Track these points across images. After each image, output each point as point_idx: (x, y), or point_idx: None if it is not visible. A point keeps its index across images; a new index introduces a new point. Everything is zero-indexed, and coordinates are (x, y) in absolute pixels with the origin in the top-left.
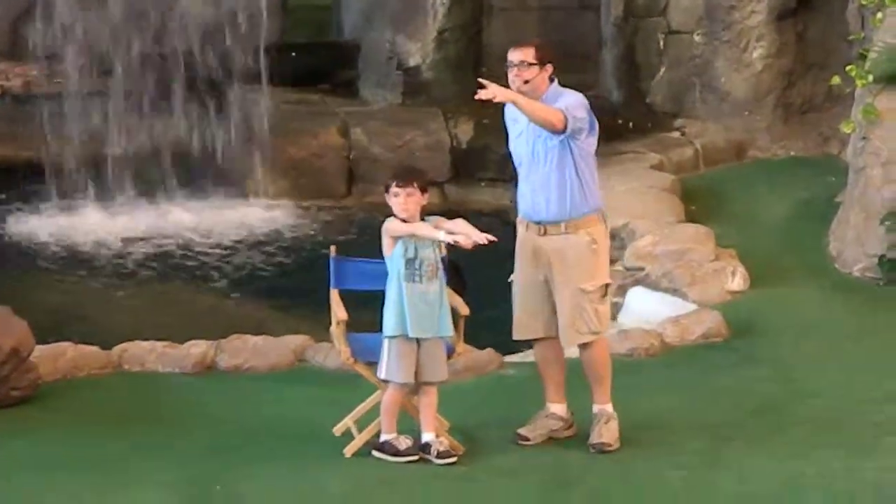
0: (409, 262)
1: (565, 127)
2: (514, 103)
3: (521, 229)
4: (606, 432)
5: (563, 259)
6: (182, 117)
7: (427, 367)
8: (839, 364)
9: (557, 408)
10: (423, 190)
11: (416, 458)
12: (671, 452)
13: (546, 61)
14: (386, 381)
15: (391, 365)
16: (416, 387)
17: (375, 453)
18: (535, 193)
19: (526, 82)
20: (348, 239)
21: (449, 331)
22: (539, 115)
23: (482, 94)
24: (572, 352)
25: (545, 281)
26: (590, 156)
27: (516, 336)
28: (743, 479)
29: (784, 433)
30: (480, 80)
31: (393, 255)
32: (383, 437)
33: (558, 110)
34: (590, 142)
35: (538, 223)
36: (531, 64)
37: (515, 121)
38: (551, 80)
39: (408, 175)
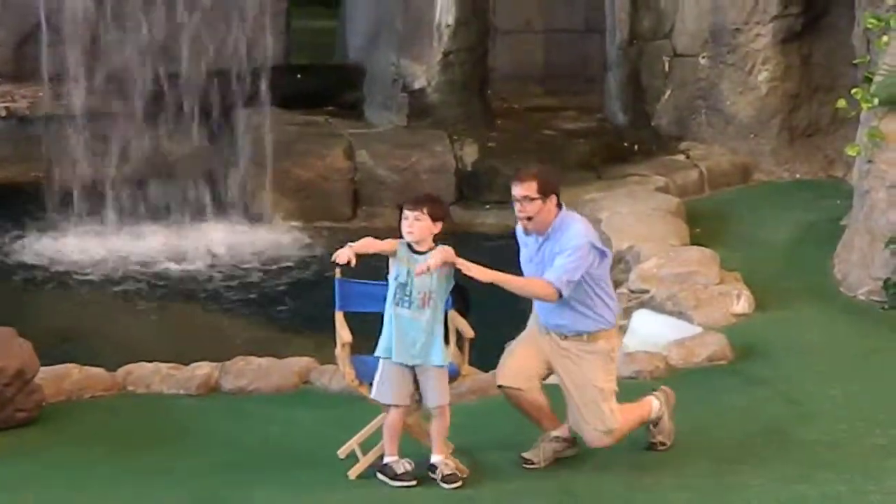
0: (401, 287)
1: (560, 296)
2: (496, 283)
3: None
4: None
5: (579, 367)
6: (186, 139)
7: (424, 391)
8: (844, 387)
9: (558, 431)
10: (435, 218)
11: (412, 483)
12: (676, 475)
13: (549, 192)
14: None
15: (381, 387)
16: (418, 408)
17: (379, 475)
18: (550, 314)
19: (530, 218)
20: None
21: (439, 360)
22: (527, 292)
23: (466, 271)
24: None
25: (549, 360)
26: (603, 278)
27: (502, 381)
28: (747, 501)
29: (788, 455)
30: (464, 264)
31: (389, 276)
32: (385, 459)
33: (547, 284)
34: (603, 266)
35: (558, 332)
36: (533, 199)
37: (526, 245)
38: (559, 206)
39: (419, 200)
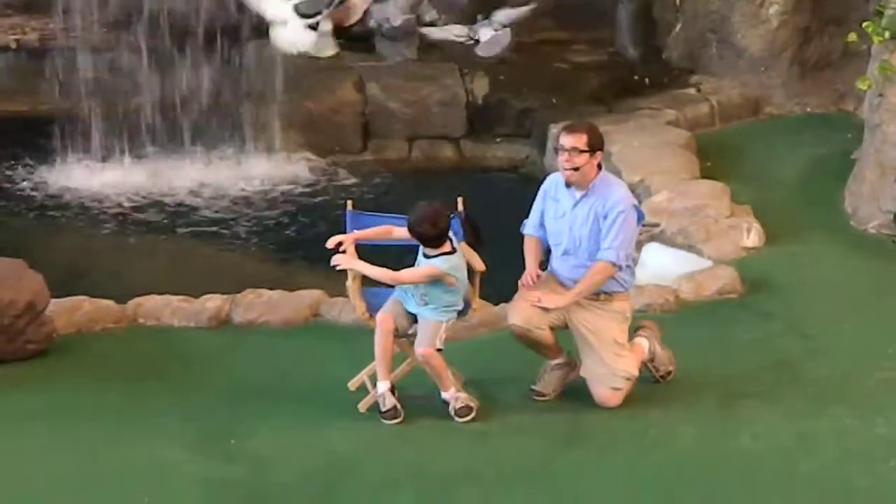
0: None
1: (620, 268)
2: (574, 301)
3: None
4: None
5: (597, 318)
6: (197, 72)
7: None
8: (853, 321)
9: (559, 358)
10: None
11: (396, 421)
12: (685, 408)
13: (597, 148)
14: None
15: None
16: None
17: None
18: (573, 271)
19: (576, 169)
20: (364, 193)
21: (433, 315)
22: (598, 283)
23: (545, 304)
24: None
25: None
26: (633, 241)
27: (514, 320)
28: (756, 435)
29: (798, 389)
30: (549, 300)
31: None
32: (378, 387)
33: (607, 265)
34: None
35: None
36: (582, 151)
37: (556, 200)
38: (599, 168)
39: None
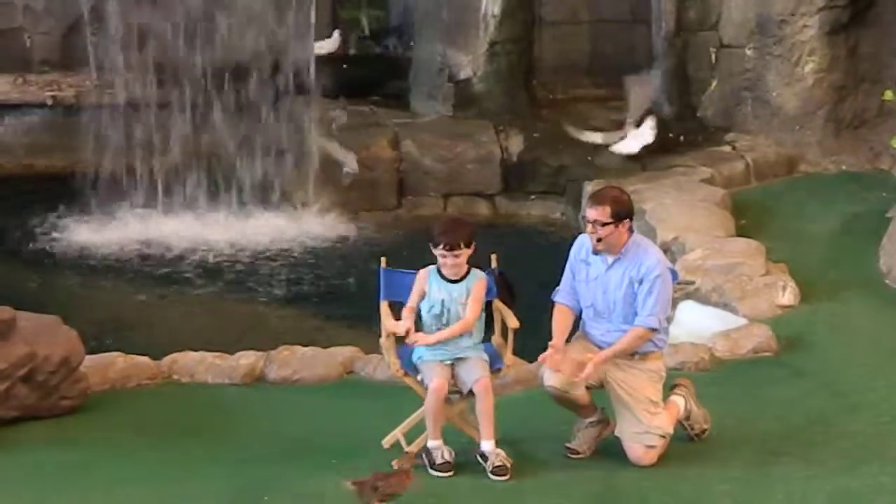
0: (436, 318)
1: (656, 331)
2: (611, 360)
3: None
4: None
5: (632, 378)
6: (234, 129)
7: (462, 378)
8: (888, 379)
9: (593, 416)
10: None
11: (449, 474)
12: (720, 466)
13: (623, 217)
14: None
15: (425, 374)
16: (459, 400)
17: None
18: (607, 335)
19: (600, 240)
20: (398, 251)
21: (473, 352)
22: (634, 348)
23: (582, 377)
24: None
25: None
26: (669, 304)
27: (551, 382)
28: (790, 493)
29: (832, 447)
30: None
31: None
32: (429, 444)
33: (646, 331)
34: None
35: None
36: (606, 223)
37: (588, 263)
38: (630, 232)
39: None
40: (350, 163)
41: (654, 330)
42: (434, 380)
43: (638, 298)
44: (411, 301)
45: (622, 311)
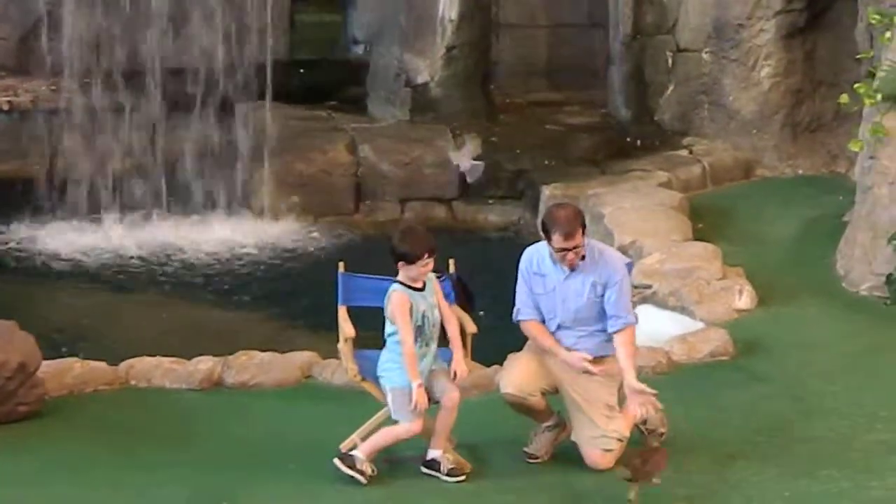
0: (418, 330)
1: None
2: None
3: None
4: None
5: (587, 382)
6: (189, 133)
7: (436, 390)
8: (846, 383)
9: (549, 420)
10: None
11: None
12: (677, 471)
13: (585, 228)
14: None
15: (401, 410)
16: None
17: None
18: (581, 341)
19: (583, 257)
20: (356, 255)
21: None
22: (635, 348)
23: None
24: None
25: (553, 374)
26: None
27: (508, 389)
28: (748, 497)
29: (791, 452)
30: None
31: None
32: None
33: (632, 329)
34: None
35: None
36: (580, 245)
37: (542, 275)
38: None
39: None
40: (464, 162)
41: (636, 323)
42: (416, 422)
43: (609, 302)
44: (410, 340)
45: (591, 316)
